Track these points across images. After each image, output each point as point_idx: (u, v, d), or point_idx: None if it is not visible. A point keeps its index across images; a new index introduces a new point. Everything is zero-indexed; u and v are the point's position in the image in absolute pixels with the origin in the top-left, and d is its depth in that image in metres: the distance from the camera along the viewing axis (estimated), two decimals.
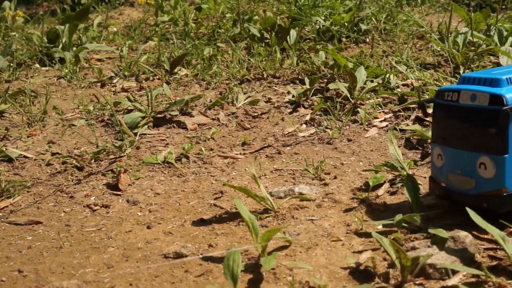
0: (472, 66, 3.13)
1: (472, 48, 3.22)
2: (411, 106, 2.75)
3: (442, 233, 1.68)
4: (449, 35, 3.36)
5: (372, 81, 3.04)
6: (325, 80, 3.17)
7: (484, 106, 1.75)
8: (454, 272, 1.61)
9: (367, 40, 3.79)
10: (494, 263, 1.65)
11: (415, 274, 1.60)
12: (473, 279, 1.58)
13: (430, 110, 2.17)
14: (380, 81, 3.01)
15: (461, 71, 3.07)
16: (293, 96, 3.01)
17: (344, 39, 3.87)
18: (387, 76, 3.03)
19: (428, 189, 1.97)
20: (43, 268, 1.83)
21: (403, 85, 3.01)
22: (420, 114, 2.63)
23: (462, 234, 1.68)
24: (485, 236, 1.76)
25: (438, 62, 3.31)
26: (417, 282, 1.59)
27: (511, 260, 1.58)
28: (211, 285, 1.57)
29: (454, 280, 1.58)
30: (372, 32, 3.82)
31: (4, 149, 2.65)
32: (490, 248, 1.71)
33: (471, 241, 1.67)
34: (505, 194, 1.74)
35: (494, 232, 1.63)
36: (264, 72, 3.40)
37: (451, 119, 1.85)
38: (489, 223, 1.67)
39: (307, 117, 2.82)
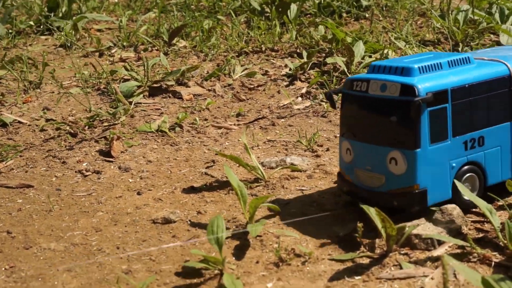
0: (471, 43, 3.11)
1: (473, 26, 3.20)
2: None
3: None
4: (450, 12, 3.33)
5: (370, 56, 3.03)
6: (323, 54, 3.15)
7: (394, 97, 1.63)
8: (440, 243, 1.61)
9: (368, 15, 3.76)
10: (481, 235, 1.65)
11: (401, 244, 1.60)
12: (458, 250, 1.58)
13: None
14: (378, 56, 3.00)
15: (460, 49, 3.05)
16: (290, 69, 3.00)
17: (344, 15, 3.84)
18: (385, 51, 3.01)
19: (337, 185, 1.86)
20: (32, 230, 1.84)
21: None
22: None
23: (450, 206, 1.68)
24: (473, 209, 1.76)
25: (438, 39, 3.29)
26: (402, 252, 1.59)
27: (497, 233, 1.58)
28: (197, 250, 1.58)
29: (439, 251, 1.58)
30: (373, 7, 3.80)
31: None
32: (477, 221, 1.72)
33: (459, 213, 1.67)
34: (416, 191, 1.64)
35: (481, 205, 1.62)
36: (262, 45, 3.38)
37: (360, 111, 1.73)
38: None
39: (303, 90, 2.81)
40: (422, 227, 1.64)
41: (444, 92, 1.65)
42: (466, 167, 1.72)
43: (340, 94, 1.81)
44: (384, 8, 3.89)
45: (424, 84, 1.63)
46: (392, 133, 1.65)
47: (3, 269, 1.64)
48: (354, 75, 1.79)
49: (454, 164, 1.69)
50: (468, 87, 1.69)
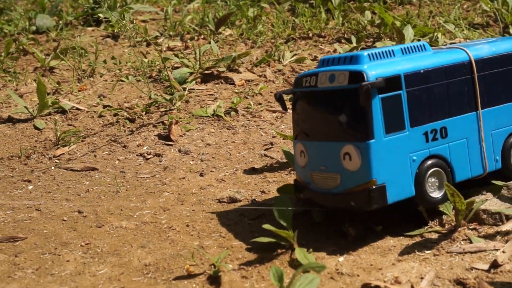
0: None
1: None
2: None
3: (496, 181, 1.69)
4: None
5: (419, 40, 3.02)
6: (371, 39, 3.16)
7: (343, 87, 1.54)
8: (508, 219, 1.62)
9: (414, 0, 3.75)
10: None
11: (469, 219, 1.61)
12: None
13: None
14: (428, 40, 2.99)
15: (510, 31, 3.03)
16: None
17: (389, 0, 3.83)
18: (435, 34, 3.00)
19: (294, 193, 1.76)
20: (102, 210, 1.89)
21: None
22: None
23: None
24: None
25: (487, 22, 3.27)
26: (470, 227, 1.60)
27: None
28: (268, 225, 1.61)
29: (508, 226, 1.59)
30: None
31: (57, 101, 2.71)
32: None
33: None
34: (374, 187, 1.50)
35: None
36: (309, 32, 3.40)
37: (311, 108, 1.63)
38: None
39: None
40: (489, 203, 1.65)
41: (397, 77, 1.53)
42: (430, 161, 1.57)
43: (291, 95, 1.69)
44: None
45: (374, 70, 1.52)
46: (344, 126, 1.53)
47: (79, 245, 1.69)
48: (303, 72, 1.70)
49: (414, 158, 1.55)
50: (423, 73, 1.57)
